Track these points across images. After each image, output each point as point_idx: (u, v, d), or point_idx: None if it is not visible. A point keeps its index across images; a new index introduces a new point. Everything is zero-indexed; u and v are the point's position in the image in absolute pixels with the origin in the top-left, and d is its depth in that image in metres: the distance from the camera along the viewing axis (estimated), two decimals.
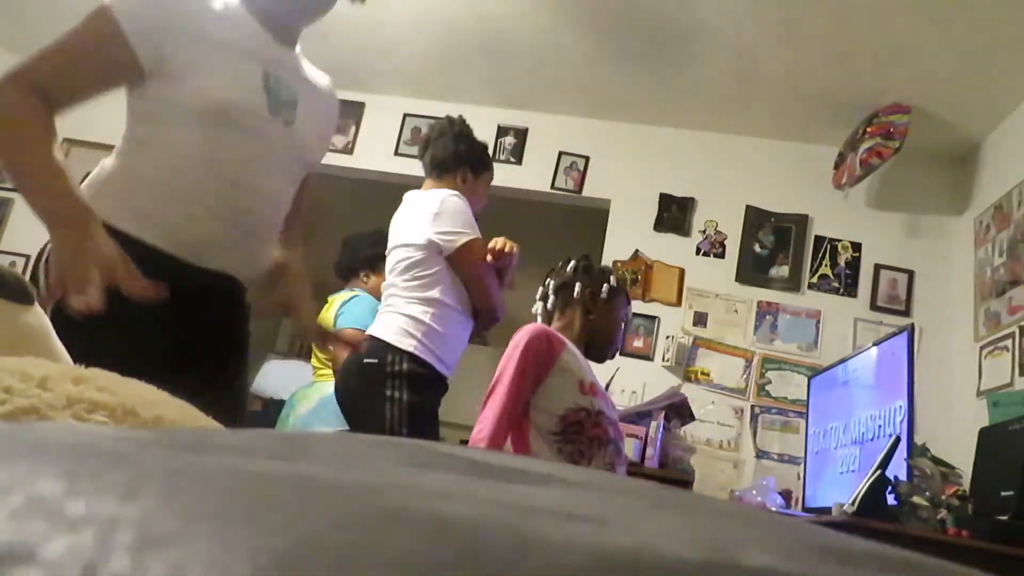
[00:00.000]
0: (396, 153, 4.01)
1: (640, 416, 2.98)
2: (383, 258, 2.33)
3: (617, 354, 2.43)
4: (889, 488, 1.91)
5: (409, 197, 2.29)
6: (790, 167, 3.75)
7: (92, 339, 0.86)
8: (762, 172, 3.76)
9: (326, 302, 3.24)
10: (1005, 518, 1.90)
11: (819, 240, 3.66)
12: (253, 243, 1.37)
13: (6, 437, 0.23)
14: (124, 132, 1.33)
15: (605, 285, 2.13)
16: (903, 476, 1.98)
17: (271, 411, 3.55)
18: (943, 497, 1.98)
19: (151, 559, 0.16)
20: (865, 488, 1.88)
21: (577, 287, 2.11)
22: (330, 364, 3.06)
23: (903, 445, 2.01)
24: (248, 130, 1.31)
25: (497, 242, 2.15)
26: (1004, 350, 2.92)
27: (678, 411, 3.02)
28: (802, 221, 3.69)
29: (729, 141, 3.81)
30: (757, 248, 3.68)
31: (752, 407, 3.46)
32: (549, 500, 0.23)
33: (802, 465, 3.03)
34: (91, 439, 0.24)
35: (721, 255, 3.69)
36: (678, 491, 0.30)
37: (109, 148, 1.39)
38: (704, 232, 3.74)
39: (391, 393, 1.97)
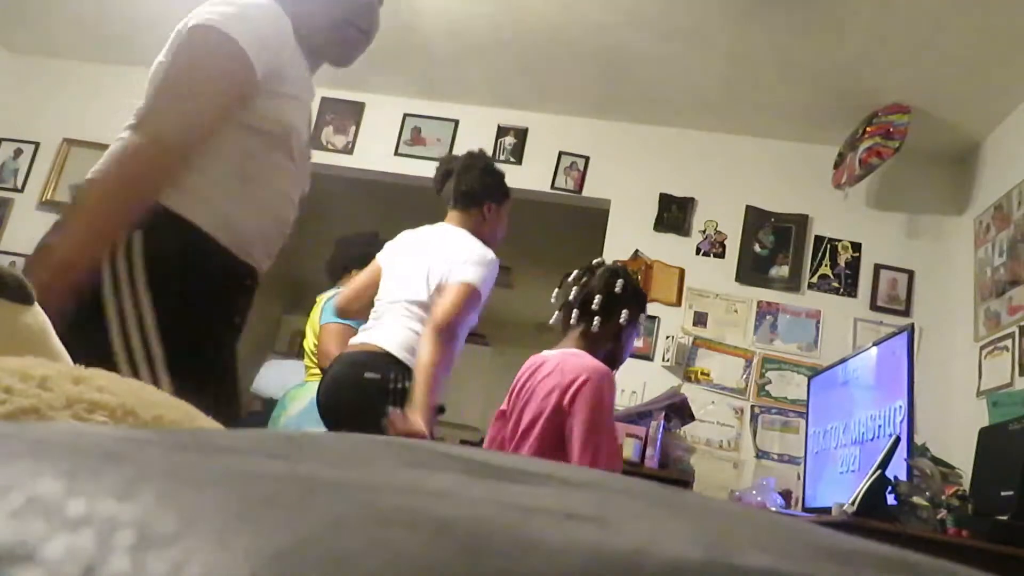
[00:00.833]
0: (396, 153, 4.01)
1: (640, 416, 2.98)
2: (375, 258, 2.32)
3: None
4: (889, 488, 1.91)
5: (441, 231, 2.24)
6: (790, 167, 3.75)
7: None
8: (762, 172, 3.76)
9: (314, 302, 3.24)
10: (1005, 518, 1.90)
11: (819, 240, 3.66)
12: (280, 244, 1.46)
13: (6, 437, 0.23)
14: None
15: (642, 315, 2.15)
16: (903, 476, 1.98)
17: (271, 411, 3.55)
18: (943, 497, 1.98)
19: (151, 559, 0.16)
20: (865, 488, 1.88)
21: (624, 314, 2.06)
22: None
23: (903, 445, 2.01)
24: (295, 158, 1.41)
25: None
26: (1004, 350, 2.92)
27: (678, 411, 3.03)
28: (802, 221, 3.69)
29: (729, 141, 3.81)
30: (757, 248, 3.68)
31: (752, 407, 3.46)
32: (549, 500, 0.23)
33: (802, 465, 3.04)
34: (91, 439, 0.24)
35: (721, 255, 3.69)
36: (678, 491, 0.30)
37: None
38: (704, 232, 3.74)
39: (392, 411, 1.87)
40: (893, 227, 3.62)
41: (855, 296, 3.56)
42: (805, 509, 2.82)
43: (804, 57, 3.14)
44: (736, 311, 3.60)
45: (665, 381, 3.47)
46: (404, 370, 1.94)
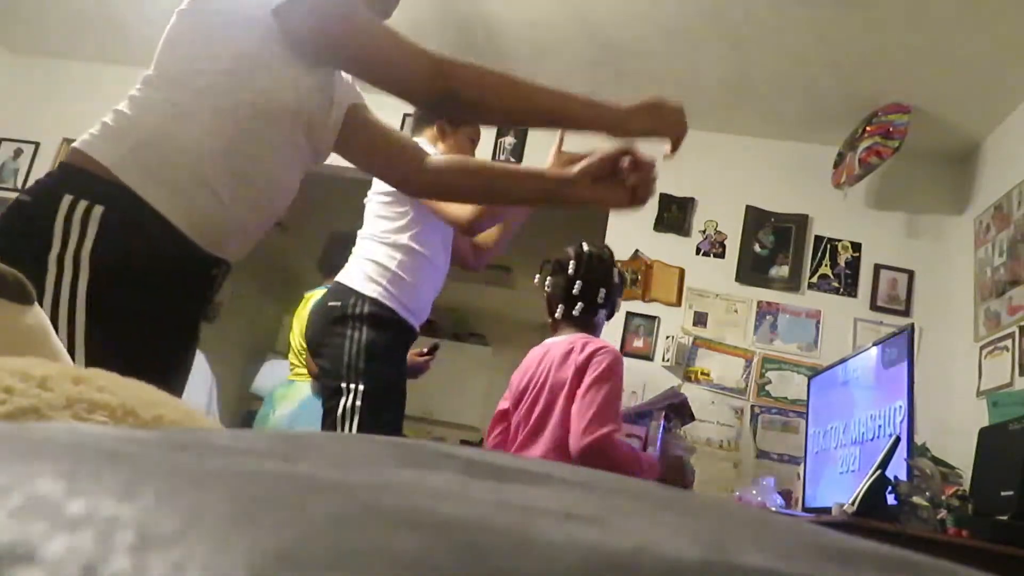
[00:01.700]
0: None
1: (640, 416, 2.97)
2: None
3: None
4: (889, 488, 1.91)
5: None
6: (790, 167, 3.75)
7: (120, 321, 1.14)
8: (762, 172, 3.76)
9: (303, 298, 3.22)
10: (1005, 518, 1.90)
11: (819, 240, 3.66)
12: (258, 234, 1.37)
13: (6, 437, 0.23)
14: (166, 92, 1.26)
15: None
16: (903, 476, 1.98)
17: None
18: (943, 497, 1.98)
19: (151, 559, 0.16)
20: (865, 488, 1.88)
21: (619, 302, 2.33)
22: (305, 364, 3.06)
23: (903, 445, 2.01)
24: (302, 135, 1.36)
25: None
26: (1004, 350, 2.92)
27: (678, 411, 3.02)
28: (802, 221, 3.69)
29: (729, 141, 3.81)
30: (757, 248, 3.68)
31: (752, 407, 3.46)
32: (549, 500, 0.23)
33: (802, 465, 3.04)
34: (91, 439, 0.24)
35: (721, 255, 3.69)
36: (678, 491, 0.30)
37: None
38: (704, 232, 3.74)
39: (351, 333, 2.00)
40: (893, 227, 3.62)
41: (855, 296, 3.56)
42: (805, 509, 2.82)
43: (804, 57, 3.14)
44: (736, 311, 3.60)
45: (665, 381, 3.47)
46: (361, 297, 2.04)
